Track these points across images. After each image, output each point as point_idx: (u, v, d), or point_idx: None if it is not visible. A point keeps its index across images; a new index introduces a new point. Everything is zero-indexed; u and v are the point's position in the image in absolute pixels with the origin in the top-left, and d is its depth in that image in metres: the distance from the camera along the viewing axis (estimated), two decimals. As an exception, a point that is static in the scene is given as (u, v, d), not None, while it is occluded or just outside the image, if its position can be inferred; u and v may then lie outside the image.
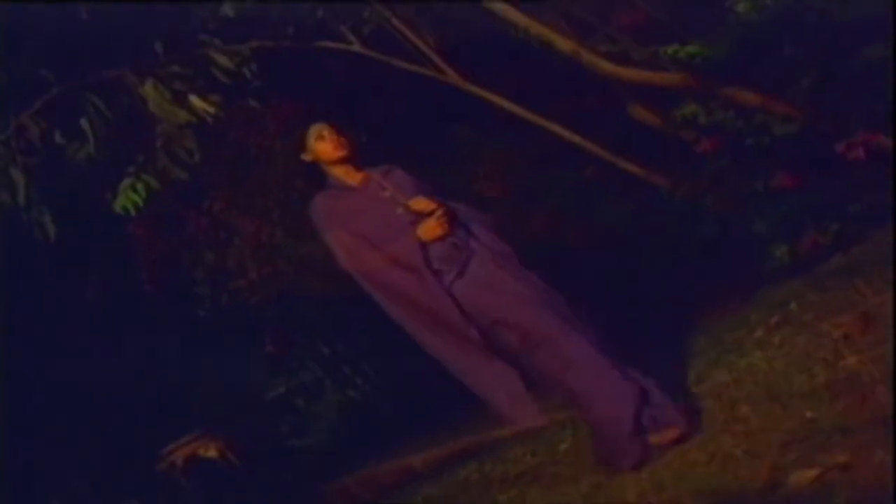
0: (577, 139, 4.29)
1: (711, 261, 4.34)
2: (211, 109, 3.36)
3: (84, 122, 3.36)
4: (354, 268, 2.71)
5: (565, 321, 2.59)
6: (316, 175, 2.76)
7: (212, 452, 7.10)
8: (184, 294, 6.39)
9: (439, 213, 2.69)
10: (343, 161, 2.81)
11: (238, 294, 6.53)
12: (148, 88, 3.34)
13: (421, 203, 2.73)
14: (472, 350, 2.64)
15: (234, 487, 6.52)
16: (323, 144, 2.80)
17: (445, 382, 2.81)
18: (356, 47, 4.53)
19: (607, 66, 3.69)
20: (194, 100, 3.33)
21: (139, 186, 3.83)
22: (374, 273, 2.70)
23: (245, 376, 7.62)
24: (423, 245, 2.69)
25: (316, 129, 2.84)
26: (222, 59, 3.35)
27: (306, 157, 2.85)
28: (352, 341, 7.13)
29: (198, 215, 6.25)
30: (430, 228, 2.69)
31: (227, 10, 3.74)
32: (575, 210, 5.40)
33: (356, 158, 2.82)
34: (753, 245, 4.21)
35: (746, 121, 3.48)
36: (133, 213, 3.89)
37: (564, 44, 3.62)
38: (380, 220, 2.73)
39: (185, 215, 6.15)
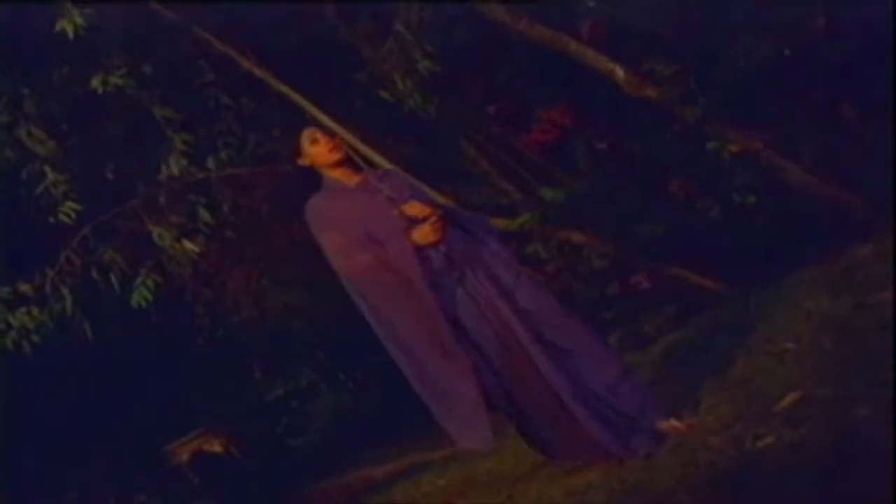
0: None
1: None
2: (196, 249, 4.89)
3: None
4: (346, 269, 2.65)
5: (546, 344, 2.56)
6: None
7: (216, 447, 8.06)
8: (185, 325, 7.14)
9: (433, 218, 2.60)
10: (340, 163, 2.75)
11: (232, 329, 7.72)
12: (155, 231, 4.89)
13: (414, 208, 2.64)
14: (445, 362, 2.56)
15: (235, 482, 7.54)
16: (318, 148, 2.73)
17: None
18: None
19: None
20: (185, 242, 4.86)
21: (149, 283, 5.30)
22: (366, 275, 2.62)
23: (245, 379, 8.61)
24: (418, 250, 2.61)
25: (308, 134, 2.78)
26: (205, 214, 4.88)
27: (302, 162, 2.77)
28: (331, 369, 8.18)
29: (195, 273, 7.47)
30: (423, 234, 2.60)
31: (211, 163, 5.28)
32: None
33: (352, 160, 2.78)
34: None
35: (574, 255, 4.98)
36: (144, 306, 5.35)
37: (443, 199, 5.04)
38: (375, 222, 2.65)
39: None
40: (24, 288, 4.61)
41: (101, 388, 6.51)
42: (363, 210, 2.68)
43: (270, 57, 5.52)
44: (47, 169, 4.18)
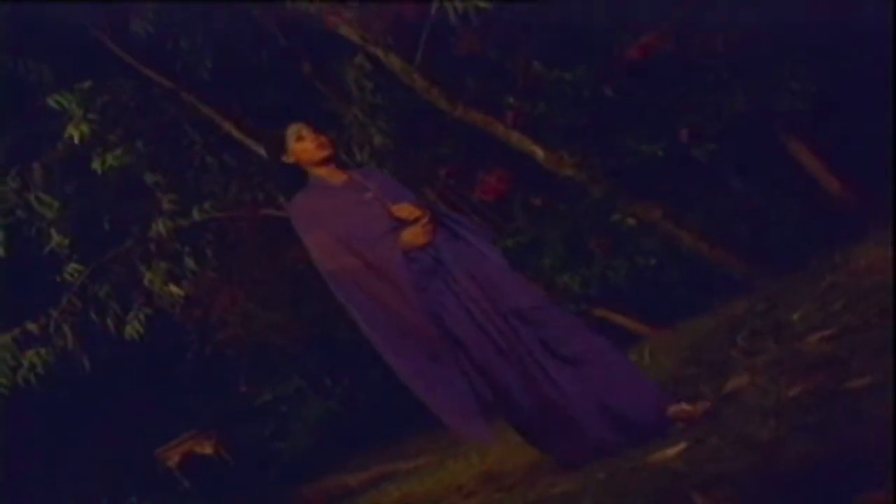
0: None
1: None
2: (182, 293, 5.65)
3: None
4: (332, 271, 2.59)
5: (533, 348, 2.48)
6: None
7: (207, 449, 8.60)
8: (175, 341, 7.77)
9: (424, 220, 2.55)
10: (326, 161, 2.68)
11: (218, 346, 8.36)
12: (147, 276, 5.65)
13: (405, 209, 2.59)
14: (436, 365, 2.52)
15: (223, 484, 7.74)
16: (303, 144, 2.67)
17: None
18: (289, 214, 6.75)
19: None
20: (172, 286, 5.62)
21: (141, 317, 6.05)
22: (352, 278, 2.56)
23: (234, 386, 9.12)
24: (406, 253, 2.54)
25: (295, 129, 2.69)
26: (190, 262, 5.64)
27: (287, 159, 2.69)
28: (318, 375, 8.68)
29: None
30: (414, 235, 2.55)
31: (196, 214, 6.03)
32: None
33: (338, 159, 2.73)
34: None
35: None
36: (137, 339, 6.09)
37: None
38: (361, 223, 2.59)
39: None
40: (32, 327, 5.36)
41: (93, 394, 6.99)
42: (349, 210, 2.62)
43: (251, 114, 6.26)
44: (53, 231, 4.91)
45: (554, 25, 4.22)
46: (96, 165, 4.73)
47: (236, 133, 6.06)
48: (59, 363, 5.56)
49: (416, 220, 2.56)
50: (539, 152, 4.83)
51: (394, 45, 4.78)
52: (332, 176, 2.71)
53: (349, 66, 4.89)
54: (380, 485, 5.73)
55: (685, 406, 2.41)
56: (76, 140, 4.40)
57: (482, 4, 3.09)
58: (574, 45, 4.31)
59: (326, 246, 2.60)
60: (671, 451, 1.98)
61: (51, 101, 4.32)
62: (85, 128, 4.36)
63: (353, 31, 4.87)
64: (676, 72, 4.22)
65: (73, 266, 4.95)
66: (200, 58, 5.44)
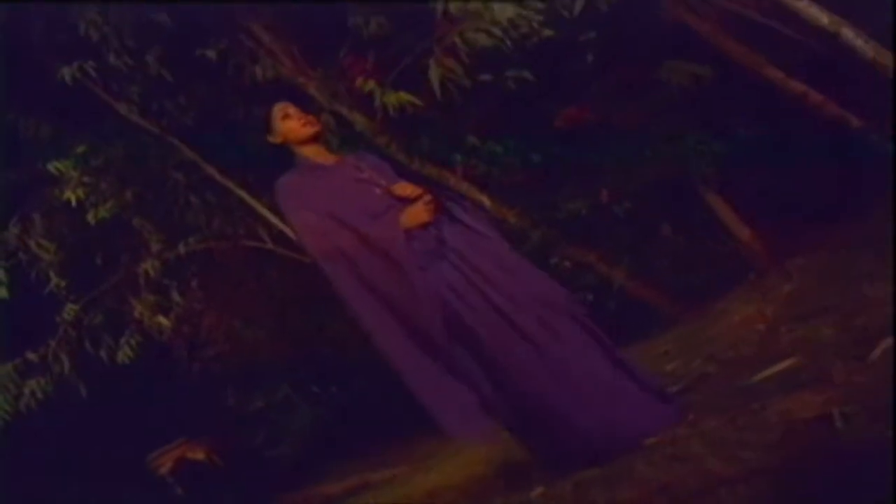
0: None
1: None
2: (169, 324, 6.22)
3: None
4: (323, 252, 2.47)
5: (539, 329, 2.38)
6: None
7: (199, 455, 8.93)
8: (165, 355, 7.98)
9: (427, 198, 2.50)
10: (314, 139, 2.61)
11: (207, 362, 8.84)
12: (137, 308, 6.22)
13: (406, 188, 2.52)
14: (431, 353, 2.40)
15: (213, 493, 7.99)
16: (290, 122, 2.60)
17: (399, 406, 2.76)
18: (268, 245, 7.31)
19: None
20: (160, 317, 6.19)
21: (132, 342, 6.62)
22: (346, 258, 2.44)
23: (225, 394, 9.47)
24: (406, 233, 2.46)
25: (280, 108, 2.62)
26: (176, 297, 6.21)
27: (273, 140, 2.62)
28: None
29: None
30: (415, 214, 2.48)
31: (181, 248, 6.60)
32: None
33: (326, 139, 2.66)
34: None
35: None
36: (128, 362, 6.65)
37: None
38: (357, 201, 2.52)
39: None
40: (32, 356, 5.94)
41: (86, 403, 6.96)
42: (344, 188, 2.54)
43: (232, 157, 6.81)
44: (52, 273, 5.48)
45: (492, 98, 4.81)
46: (90, 218, 5.29)
47: (218, 176, 6.61)
48: (57, 387, 6.07)
49: (417, 199, 2.52)
50: (486, 201, 5.42)
51: (356, 105, 5.35)
52: (321, 156, 2.65)
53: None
54: (358, 493, 6.08)
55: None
56: (73, 202, 4.96)
57: (415, 101, 3.64)
58: (510, 113, 4.90)
59: (317, 225, 2.50)
60: (535, 492, 2.52)
61: (50, 167, 4.88)
62: (80, 192, 4.92)
63: (318, 93, 5.45)
64: (597, 139, 4.80)
65: (70, 307, 5.52)
66: (184, 111, 5.99)
